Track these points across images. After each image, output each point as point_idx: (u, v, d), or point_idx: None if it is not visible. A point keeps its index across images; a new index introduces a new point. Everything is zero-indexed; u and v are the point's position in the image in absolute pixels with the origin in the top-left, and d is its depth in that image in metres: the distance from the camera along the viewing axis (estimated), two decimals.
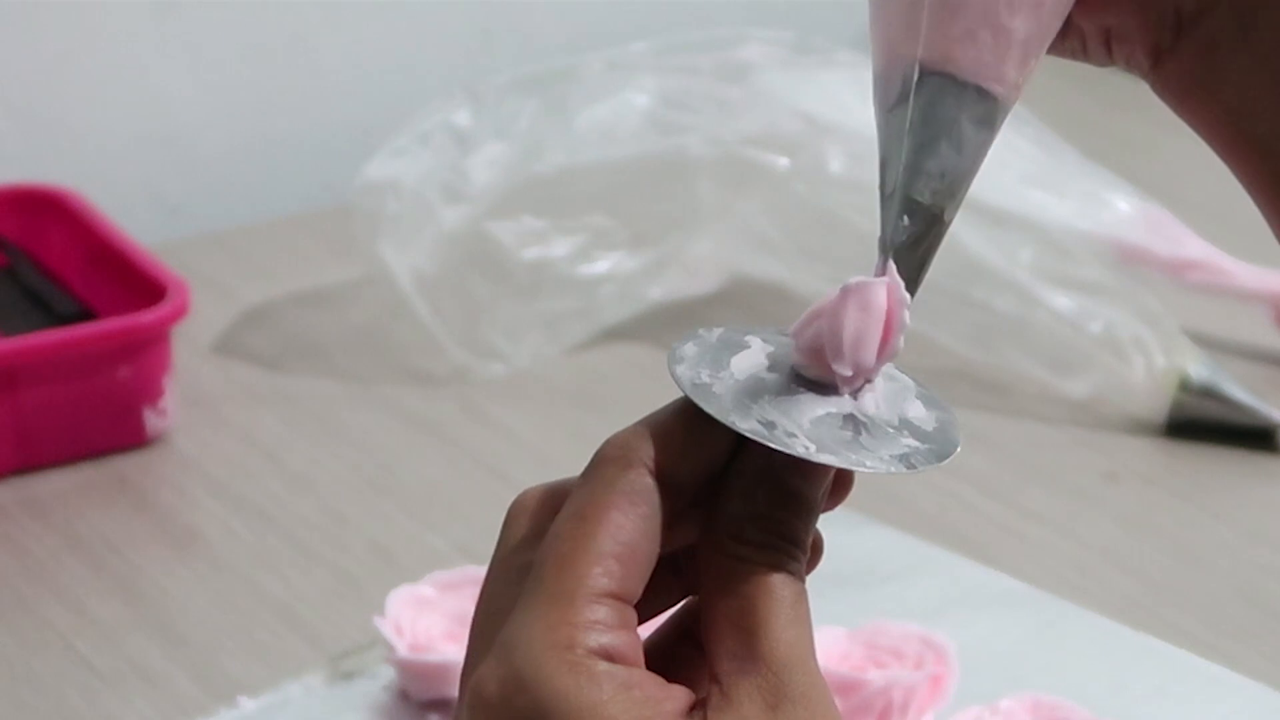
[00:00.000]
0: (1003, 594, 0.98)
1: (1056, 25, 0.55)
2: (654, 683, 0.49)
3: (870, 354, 0.51)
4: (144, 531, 1.03)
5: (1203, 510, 1.07)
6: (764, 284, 1.23)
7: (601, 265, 1.20)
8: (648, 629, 0.53)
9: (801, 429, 0.51)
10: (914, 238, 0.53)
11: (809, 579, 0.53)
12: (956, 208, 0.54)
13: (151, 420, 1.09)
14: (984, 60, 0.53)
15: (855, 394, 0.52)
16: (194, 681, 0.91)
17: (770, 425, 0.50)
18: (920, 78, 0.53)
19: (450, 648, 0.88)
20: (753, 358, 0.53)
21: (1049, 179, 1.21)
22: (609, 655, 0.49)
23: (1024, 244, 1.17)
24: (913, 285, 0.53)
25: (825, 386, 0.52)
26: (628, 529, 0.50)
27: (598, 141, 1.19)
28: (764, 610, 0.50)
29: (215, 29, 1.39)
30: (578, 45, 1.35)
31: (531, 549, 0.51)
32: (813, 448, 0.50)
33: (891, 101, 0.54)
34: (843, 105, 1.19)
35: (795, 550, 0.51)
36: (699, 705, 0.49)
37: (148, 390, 1.09)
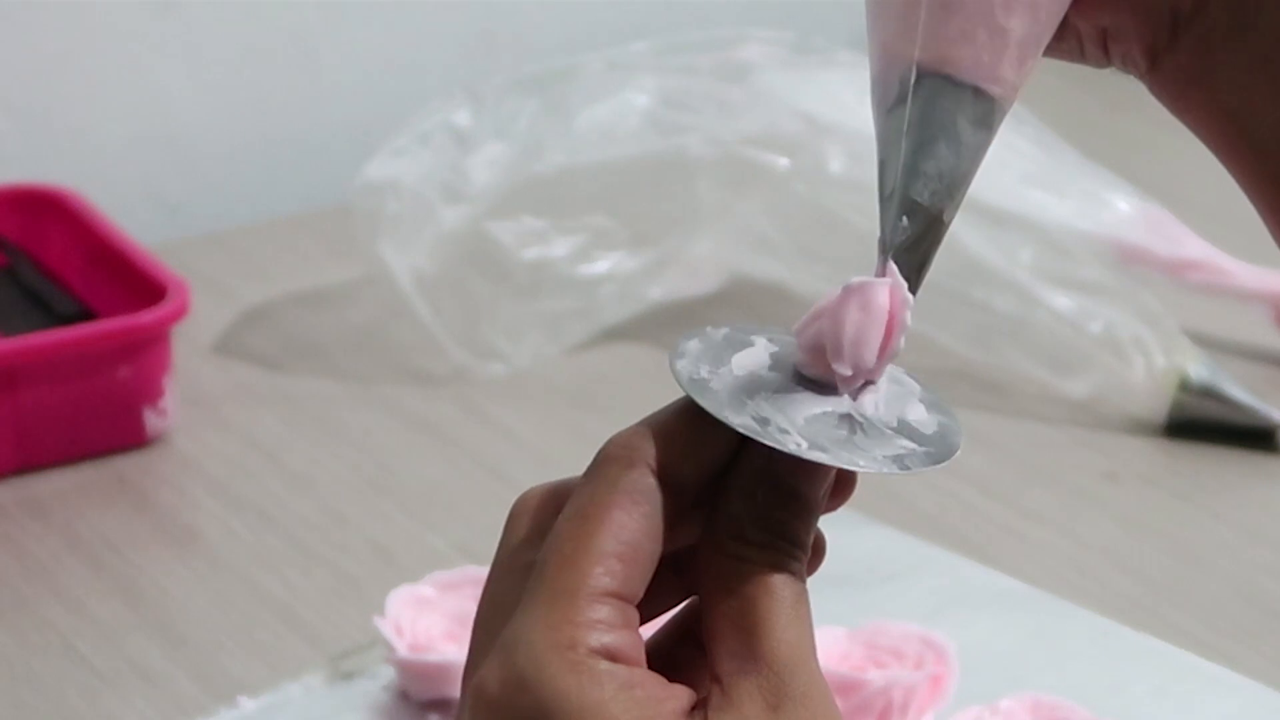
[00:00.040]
0: (1003, 594, 0.98)
1: (1053, 25, 0.55)
2: (656, 682, 0.49)
3: (870, 354, 0.51)
4: (144, 531, 1.03)
5: (1203, 510, 1.07)
6: (764, 284, 1.23)
7: (601, 265, 1.20)
8: (651, 629, 0.53)
9: (795, 426, 0.51)
10: (913, 238, 0.53)
11: (809, 579, 0.53)
12: (956, 208, 0.54)
13: (151, 420, 1.09)
14: (981, 60, 0.53)
15: (855, 394, 0.52)
16: (194, 681, 0.91)
17: (764, 421, 0.50)
18: (917, 79, 0.53)
19: (450, 648, 0.88)
20: (755, 356, 0.53)
21: (1049, 179, 1.21)
22: (611, 655, 0.49)
23: (1024, 244, 1.17)
24: (913, 286, 0.53)
25: (825, 386, 0.52)
26: (630, 528, 0.50)
27: (598, 141, 1.19)
28: (765, 610, 0.50)
29: (215, 29, 1.39)
30: (578, 45, 1.35)
31: (534, 548, 0.51)
32: (804, 444, 0.50)
33: (889, 103, 0.54)
34: (843, 105, 1.19)
35: (796, 550, 0.51)
36: (700, 705, 0.49)
37: (148, 390, 1.09)
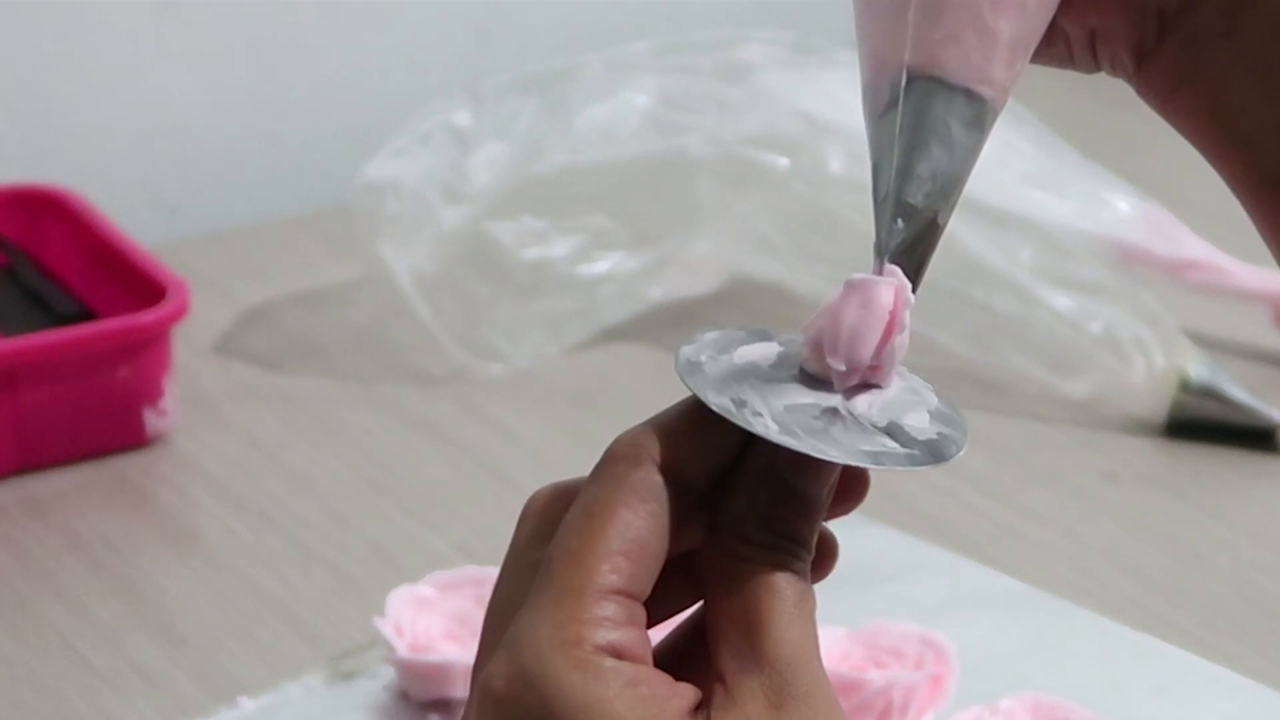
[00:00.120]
0: (1003, 594, 0.98)
1: (1042, 25, 0.55)
2: (661, 680, 0.49)
3: (866, 350, 0.51)
4: (144, 531, 1.03)
5: (1203, 510, 1.07)
6: (764, 284, 1.23)
7: (601, 265, 1.20)
8: (663, 631, 0.53)
9: (772, 411, 0.50)
10: (909, 241, 0.53)
11: (822, 580, 0.53)
12: (950, 210, 0.54)
13: (151, 420, 1.09)
14: (971, 62, 0.54)
15: (851, 392, 0.52)
16: (194, 681, 0.91)
17: (741, 404, 0.50)
18: (908, 82, 0.54)
19: (450, 648, 0.88)
20: (762, 350, 0.53)
21: (1049, 179, 1.21)
22: (616, 652, 0.49)
23: (1024, 244, 1.17)
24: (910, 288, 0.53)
25: (825, 383, 0.52)
26: (636, 526, 0.50)
27: (598, 141, 1.19)
28: (767, 609, 0.50)
29: (215, 29, 1.39)
30: (578, 45, 1.35)
31: (542, 546, 0.51)
32: (775, 429, 0.50)
33: (881, 109, 0.54)
34: (843, 105, 1.19)
35: (799, 549, 0.51)
36: (705, 704, 0.49)
37: (148, 390, 1.09)
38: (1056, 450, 1.13)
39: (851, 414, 0.51)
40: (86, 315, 1.14)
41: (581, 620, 0.49)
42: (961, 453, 0.52)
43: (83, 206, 1.20)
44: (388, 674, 0.90)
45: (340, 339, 1.22)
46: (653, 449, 0.51)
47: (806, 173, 1.19)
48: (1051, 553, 1.03)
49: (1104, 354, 1.15)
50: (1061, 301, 1.16)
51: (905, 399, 0.52)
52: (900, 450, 0.51)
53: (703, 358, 0.52)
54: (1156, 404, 1.14)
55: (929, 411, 0.52)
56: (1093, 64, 0.57)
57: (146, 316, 1.08)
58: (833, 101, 1.19)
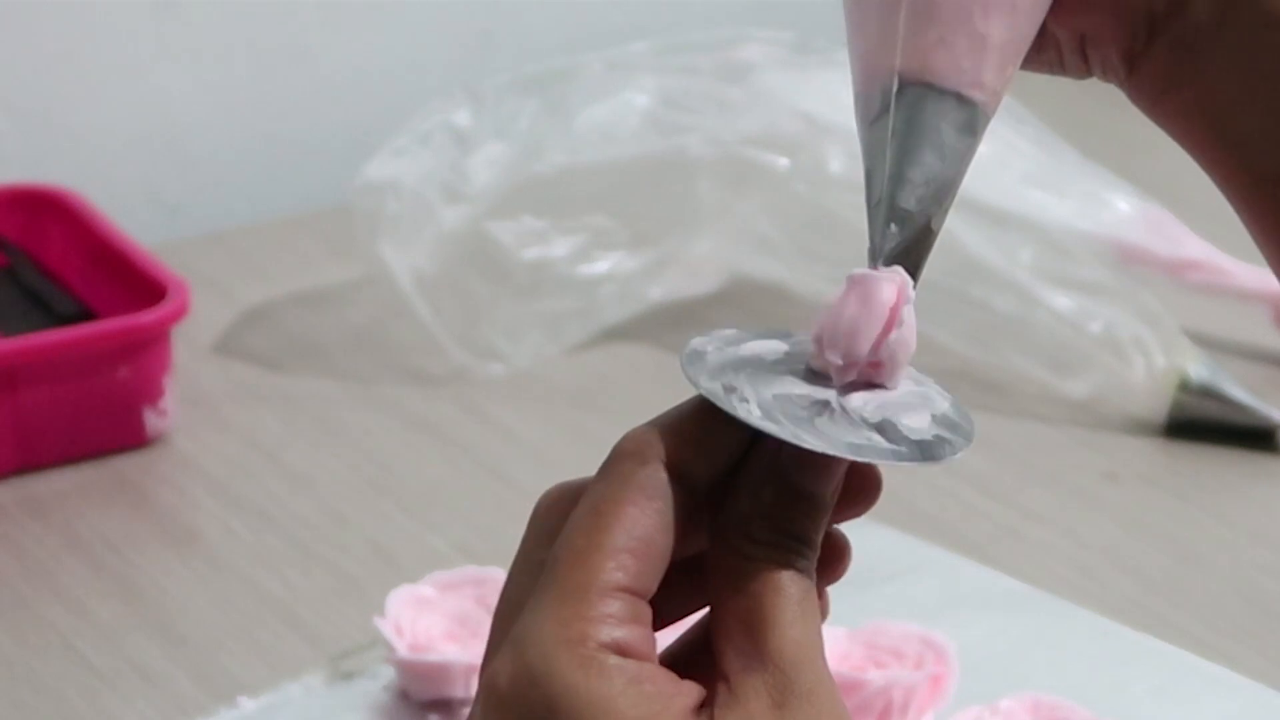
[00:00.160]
0: (1003, 594, 0.98)
1: (1032, 30, 0.55)
2: (666, 678, 0.49)
3: (864, 345, 0.51)
4: (144, 531, 1.03)
5: (1203, 510, 1.07)
6: (764, 284, 1.23)
7: (601, 265, 1.20)
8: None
9: (759, 398, 0.51)
10: (903, 246, 0.53)
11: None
12: (944, 215, 0.54)
13: (151, 420, 1.09)
14: (961, 67, 0.54)
15: (850, 389, 0.52)
16: (194, 681, 0.91)
17: (731, 390, 0.51)
18: (899, 88, 0.54)
19: (450, 648, 0.88)
20: (772, 345, 0.53)
21: (1049, 179, 1.21)
22: (621, 650, 0.49)
23: (1024, 244, 1.17)
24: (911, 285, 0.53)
25: (827, 379, 0.52)
26: (642, 524, 0.50)
27: (598, 141, 1.19)
28: (771, 608, 0.50)
29: (215, 29, 1.39)
30: (578, 45, 1.35)
31: (549, 545, 0.51)
32: (757, 413, 0.50)
33: (873, 115, 0.54)
34: (843, 105, 1.18)
35: (803, 548, 0.51)
36: (709, 703, 0.49)
37: (148, 390, 1.09)
38: (1056, 450, 1.13)
39: (843, 408, 0.51)
40: (86, 315, 1.14)
41: (586, 618, 0.49)
42: (957, 456, 0.51)
43: (83, 206, 1.20)
44: (388, 674, 0.90)
45: (340, 339, 1.22)
46: (659, 447, 0.51)
47: (806, 173, 1.19)
48: (1051, 553, 1.03)
49: (1104, 354, 1.15)
50: (1061, 301, 1.16)
51: (909, 400, 0.52)
52: (885, 446, 0.50)
53: (710, 348, 0.52)
54: (1156, 404, 1.14)
55: (933, 415, 0.52)
56: (1084, 69, 0.57)
57: (146, 316, 1.08)
58: (833, 101, 1.19)
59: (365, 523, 1.04)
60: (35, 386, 1.06)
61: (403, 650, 0.88)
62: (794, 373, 0.52)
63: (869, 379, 0.52)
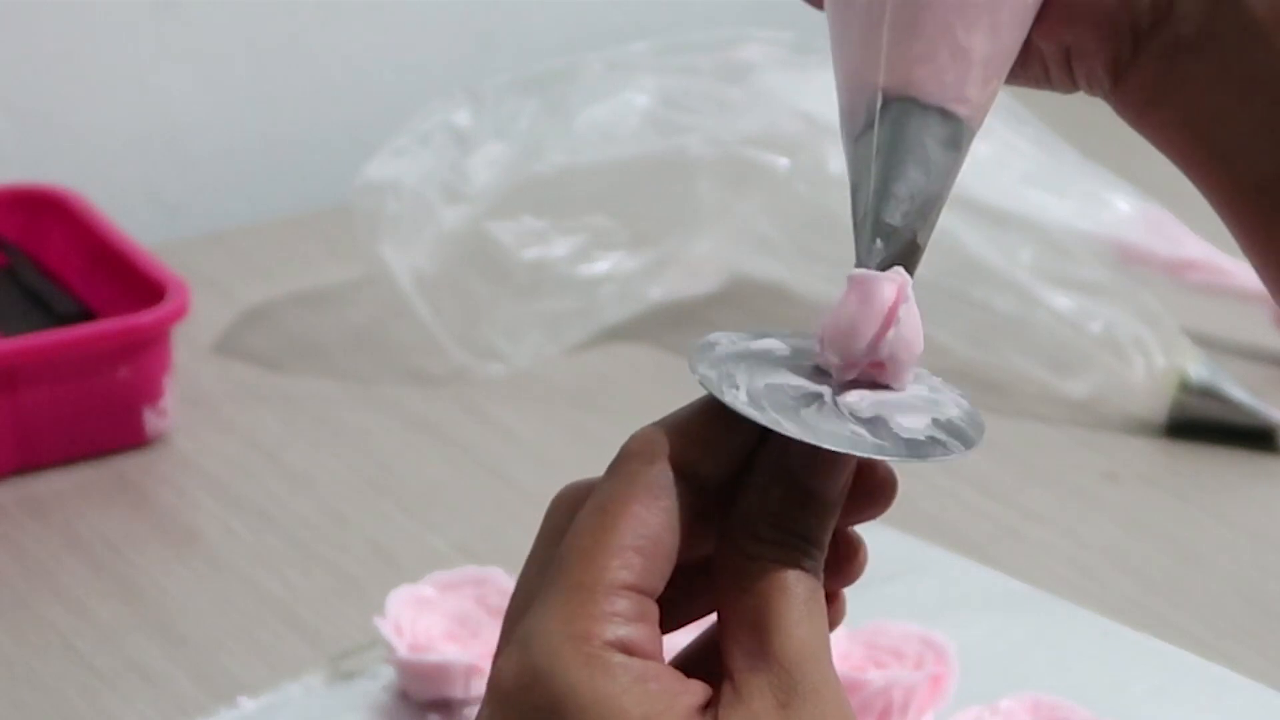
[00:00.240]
0: (1003, 594, 0.98)
1: (1016, 44, 0.55)
2: (671, 676, 0.49)
3: (860, 344, 0.51)
4: (144, 531, 1.03)
5: (1203, 510, 1.07)
6: (764, 284, 1.23)
7: (601, 265, 1.20)
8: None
9: (751, 386, 0.51)
10: (888, 261, 0.53)
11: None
12: (930, 230, 0.54)
13: (151, 420, 1.09)
14: (945, 82, 0.54)
15: (850, 386, 0.52)
16: (194, 681, 0.91)
17: (725, 377, 0.51)
18: (883, 104, 0.54)
19: (450, 648, 0.88)
20: (788, 343, 0.53)
21: (1049, 179, 1.21)
22: (626, 648, 0.49)
23: (1024, 244, 1.17)
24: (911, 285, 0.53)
25: (828, 375, 0.52)
26: (650, 523, 0.50)
27: (598, 141, 1.19)
28: (777, 607, 0.50)
29: (215, 29, 1.39)
30: (578, 45, 1.35)
31: (559, 544, 0.51)
32: (743, 399, 0.50)
33: (857, 131, 0.54)
34: None
35: (810, 547, 0.51)
36: (714, 702, 0.49)
37: (148, 390, 1.09)
38: (1056, 450, 1.13)
39: (836, 403, 0.51)
40: (86, 315, 1.14)
41: (591, 615, 0.49)
42: (948, 458, 0.51)
43: (83, 206, 1.20)
44: (388, 674, 0.90)
45: (340, 339, 1.22)
46: (666, 446, 0.51)
47: (806, 173, 1.19)
48: (1051, 553, 1.03)
49: (1104, 354, 1.15)
50: (1061, 301, 1.16)
51: (912, 403, 0.52)
52: (869, 440, 0.50)
53: (724, 341, 0.53)
54: (1156, 404, 1.14)
55: (936, 419, 0.52)
56: (1069, 83, 0.57)
57: (146, 316, 1.08)
58: (833, 102, 1.19)
59: (365, 523, 1.04)
60: (35, 386, 1.06)
61: (403, 650, 0.88)
62: (798, 369, 0.52)
63: (873, 379, 0.52)
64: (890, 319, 0.51)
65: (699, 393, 0.52)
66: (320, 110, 1.44)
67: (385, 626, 0.89)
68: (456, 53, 1.48)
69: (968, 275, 1.16)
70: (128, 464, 1.08)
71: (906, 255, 0.53)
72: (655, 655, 0.50)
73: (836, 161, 1.18)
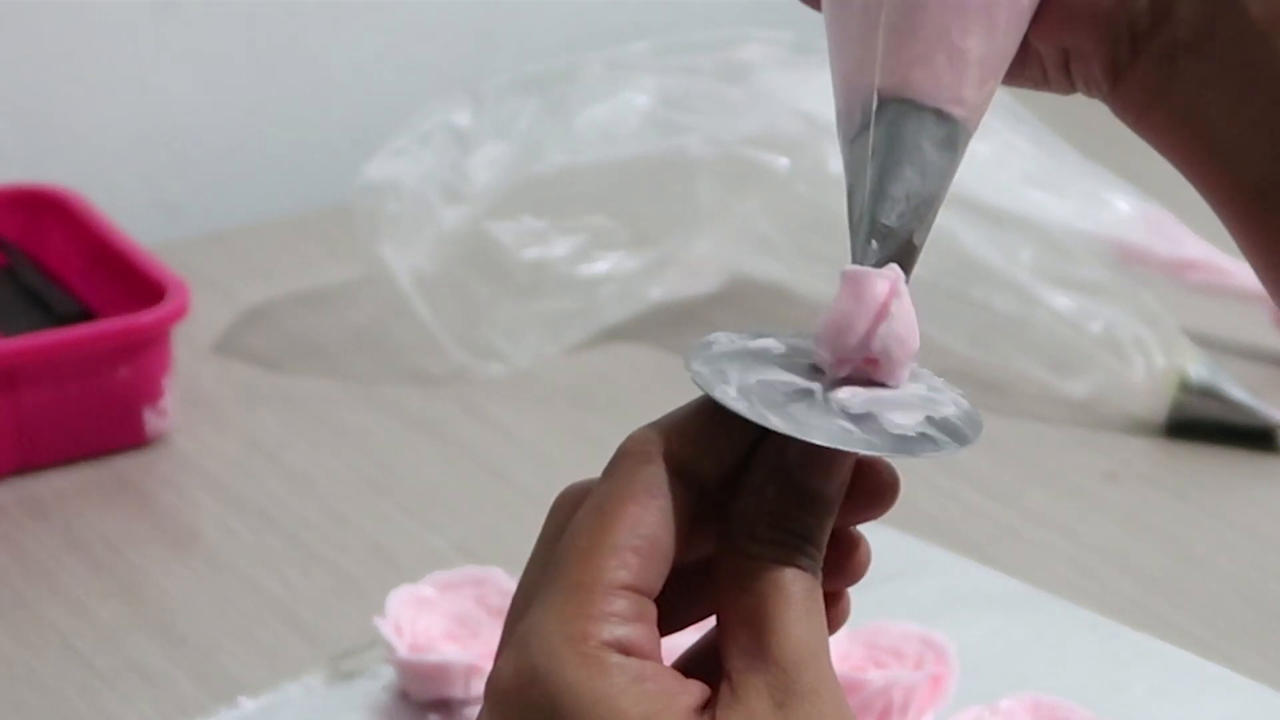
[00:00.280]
0: (1003, 594, 0.98)
1: (1013, 45, 0.55)
2: (669, 676, 0.49)
3: (852, 340, 0.51)
4: (144, 531, 1.03)
5: (1203, 510, 1.07)
6: (764, 284, 1.23)
7: (601, 265, 1.20)
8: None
9: (742, 382, 0.51)
10: (884, 262, 0.53)
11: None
12: (926, 231, 0.54)
13: (151, 420, 1.09)
14: (941, 83, 0.54)
15: (844, 383, 0.52)
16: (194, 681, 0.91)
17: (720, 374, 0.51)
18: (879, 105, 0.54)
19: (450, 648, 0.88)
20: (788, 342, 0.53)
21: (1049, 179, 1.21)
22: (624, 648, 0.49)
23: (1024, 244, 1.17)
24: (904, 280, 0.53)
25: (822, 373, 0.52)
26: (646, 522, 0.50)
27: (598, 141, 1.19)
28: (774, 607, 0.50)
29: (215, 29, 1.39)
30: (578, 45, 1.35)
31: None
32: (732, 394, 0.50)
33: (854, 132, 0.54)
34: None
35: (808, 546, 0.51)
36: (712, 702, 0.49)
37: (148, 390, 1.09)
38: (1056, 450, 1.13)
39: (826, 399, 0.51)
40: (86, 315, 1.14)
41: (588, 616, 0.49)
42: (938, 454, 0.51)
43: (83, 206, 1.20)
44: (388, 674, 0.90)
45: (340, 339, 1.22)
46: (662, 446, 0.51)
47: (806, 173, 1.19)
48: (1051, 553, 1.03)
49: (1104, 354, 1.15)
50: (1061, 301, 1.16)
51: (908, 400, 0.52)
52: (858, 435, 0.50)
53: (724, 339, 0.53)
54: (1156, 404, 1.14)
55: (930, 416, 0.52)
56: (1067, 85, 0.57)
57: (146, 316, 1.08)
58: (832, 101, 1.19)
59: (365, 523, 1.04)
60: (35, 386, 1.06)
61: (403, 650, 0.88)
62: (794, 366, 0.52)
63: (869, 377, 0.52)
64: (882, 314, 0.51)
65: (698, 393, 0.52)
66: (320, 110, 1.44)
67: (385, 626, 0.89)
68: (456, 53, 1.48)
69: (967, 275, 1.16)
70: (128, 464, 1.08)
71: (902, 256, 0.53)
72: (653, 655, 0.49)
73: (836, 161, 1.17)
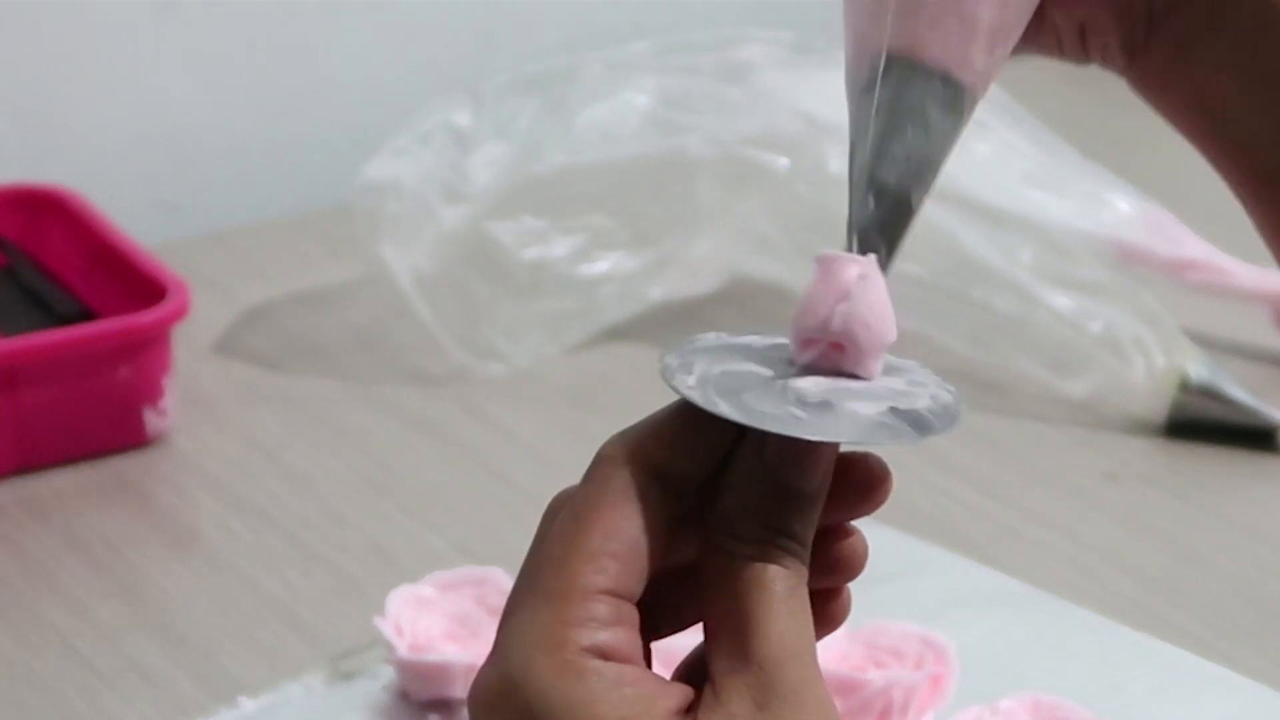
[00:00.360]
0: (1003, 594, 0.98)
1: (1025, 15, 0.55)
2: (650, 680, 0.49)
3: (812, 321, 0.51)
4: (144, 531, 1.03)
5: (1203, 510, 1.07)
6: (764, 284, 1.23)
7: (601, 265, 1.20)
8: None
9: (703, 374, 0.50)
10: (881, 220, 0.53)
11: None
12: (925, 192, 0.54)
13: (151, 420, 1.09)
14: (950, 47, 0.54)
15: (812, 372, 0.51)
16: (194, 681, 0.91)
17: (686, 367, 0.51)
18: (887, 64, 0.54)
19: (450, 648, 0.88)
20: (765, 337, 0.53)
21: (1049, 179, 1.21)
22: (603, 653, 0.48)
23: (1024, 244, 1.17)
24: (882, 268, 0.52)
25: (804, 368, 0.52)
26: (622, 527, 0.50)
27: (598, 141, 1.19)
28: (755, 606, 0.49)
29: (215, 29, 1.39)
30: (578, 45, 1.35)
31: None
32: (690, 381, 0.50)
33: (860, 88, 0.54)
34: (842, 105, 1.19)
35: (790, 543, 0.50)
36: (694, 705, 0.49)
37: (148, 390, 1.09)
38: (1056, 450, 1.13)
39: (786, 387, 0.51)
40: (86, 315, 1.14)
41: (565, 622, 0.48)
42: (895, 443, 0.50)
43: (83, 206, 1.20)
44: (388, 674, 0.90)
45: (340, 339, 1.22)
46: (640, 449, 0.51)
47: (806, 173, 1.19)
48: (1051, 553, 1.03)
49: (1104, 354, 1.15)
50: (1061, 301, 1.16)
51: (875, 391, 0.51)
52: (806, 421, 0.50)
53: (708, 338, 0.53)
54: (1156, 404, 1.14)
55: (895, 407, 0.51)
56: (1083, 55, 0.57)
57: (146, 316, 1.08)
58: (832, 101, 1.19)
59: (365, 523, 1.04)
60: (35, 386, 1.06)
61: (403, 650, 0.88)
62: (768, 360, 0.52)
63: (838, 367, 0.51)
64: (842, 294, 0.51)
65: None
66: (320, 110, 1.44)
67: (385, 626, 0.89)
68: (456, 53, 1.48)
69: (967, 275, 1.16)
70: (128, 464, 1.08)
71: (899, 214, 0.53)
72: (634, 659, 0.49)
73: (836, 161, 1.18)
